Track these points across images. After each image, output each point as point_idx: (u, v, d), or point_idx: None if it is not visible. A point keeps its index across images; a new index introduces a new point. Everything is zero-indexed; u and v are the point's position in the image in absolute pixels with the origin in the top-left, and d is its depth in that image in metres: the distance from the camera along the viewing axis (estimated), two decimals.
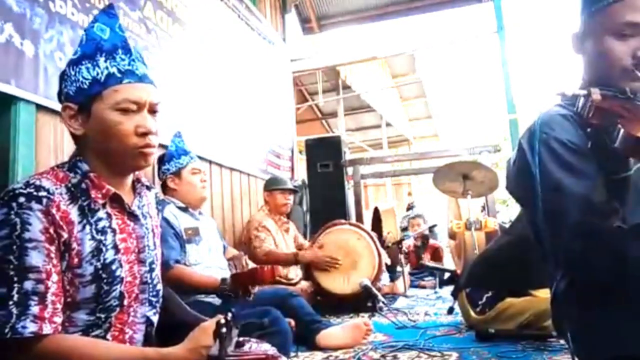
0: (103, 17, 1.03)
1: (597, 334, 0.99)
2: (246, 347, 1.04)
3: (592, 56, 1.11)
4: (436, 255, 5.23)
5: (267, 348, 1.09)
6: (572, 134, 1.04)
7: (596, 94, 1.00)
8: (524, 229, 2.26)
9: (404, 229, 5.39)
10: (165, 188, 2.28)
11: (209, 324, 0.96)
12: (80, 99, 0.98)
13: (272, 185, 3.48)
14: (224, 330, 0.86)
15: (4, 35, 1.90)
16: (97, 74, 0.97)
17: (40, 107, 2.08)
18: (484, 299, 2.31)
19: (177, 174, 2.25)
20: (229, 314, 0.92)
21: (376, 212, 4.67)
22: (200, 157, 2.40)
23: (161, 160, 2.29)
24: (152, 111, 1.02)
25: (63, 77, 1.01)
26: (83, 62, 0.98)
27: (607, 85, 1.03)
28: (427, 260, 4.99)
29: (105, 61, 0.98)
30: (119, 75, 0.97)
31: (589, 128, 1.04)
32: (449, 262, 5.35)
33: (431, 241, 5.32)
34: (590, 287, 1.00)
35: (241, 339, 1.04)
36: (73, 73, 0.99)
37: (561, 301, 1.08)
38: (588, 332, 1.01)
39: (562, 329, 1.12)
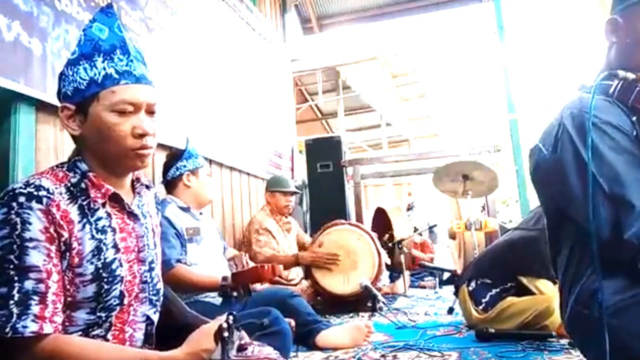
0: (102, 17, 1.02)
1: (625, 331, 0.95)
2: (249, 351, 1.04)
3: (629, 44, 1.07)
4: (424, 250, 5.32)
5: (270, 352, 1.08)
6: (622, 119, 1.01)
7: None
8: (535, 224, 2.27)
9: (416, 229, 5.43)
10: (170, 187, 2.29)
11: (210, 326, 0.96)
12: (77, 100, 0.98)
13: (273, 186, 3.48)
14: (226, 334, 0.85)
15: (12, 33, 1.90)
16: (95, 74, 0.96)
17: (40, 108, 2.09)
18: (488, 297, 2.32)
19: (195, 172, 2.28)
20: (231, 317, 0.91)
21: (380, 212, 4.66)
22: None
23: (174, 159, 2.30)
24: (150, 112, 1.01)
25: (61, 77, 1.01)
26: (81, 63, 0.98)
27: None
28: (417, 251, 5.05)
29: (103, 62, 0.97)
30: (116, 76, 0.97)
31: (634, 116, 1.01)
32: (448, 262, 5.35)
33: (417, 240, 5.38)
34: None
35: (243, 341, 1.04)
36: (71, 73, 0.98)
37: (588, 297, 1.03)
38: (615, 329, 0.96)
39: (579, 327, 1.09)
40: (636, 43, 1.07)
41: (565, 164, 1.05)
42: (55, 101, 2.02)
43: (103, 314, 0.97)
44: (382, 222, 4.37)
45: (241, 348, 1.02)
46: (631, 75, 1.00)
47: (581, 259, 1.07)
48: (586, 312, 1.05)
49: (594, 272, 1.01)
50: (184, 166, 2.27)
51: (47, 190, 0.91)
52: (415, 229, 5.28)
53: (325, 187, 4.55)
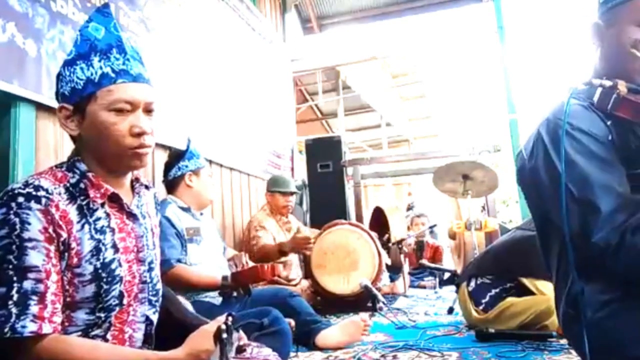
0: (98, 17, 1.02)
1: (619, 333, 0.96)
2: (247, 352, 1.04)
3: (612, 48, 1.08)
4: (436, 255, 5.21)
5: (269, 353, 1.08)
6: (596, 125, 1.03)
7: (622, 85, 0.99)
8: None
9: (407, 228, 5.36)
10: (171, 187, 2.29)
11: (209, 327, 0.96)
12: (75, 100, 0.97)
13: (273, 187, 3.48)
14: (224, 335, 0.85)
15: (6, 34, 1.90)
16: (91, 74, 0.96)
17: (40, 107, 2.09)
18: (487, 297, 2.31)
19: (197, 172, 2.28)
20: (230, 318, 0.91)
21: (378, 211, 4.66)
22: None
23: (176, 159, 2.31)
24: (148, 111, 1.01)
25: (59, 77, 1.01)
26: (77, 63, 0.98)
27: (625, 79, 1.02)
28: (425, 261, 4.96)
29: (100, 61, 0.97)
30: (112, 75, 0.97)
31: (609, 121, 1.03)
32: (448, 262, 5.33)
33: (430, 241, 5.31)
34: (617, 283, 0.98)
35: (242, 342, 1.04)
36: (68, 73, 0.98)
37: (574, 300, 1.04)
38: (608, 330, 0.97)
39: (571, 328, 1.10)
40: (616, 50, 1.07)
41: (539, 169, 1.07)
42: (50, 102, 2.04)
43: (102, 314, 0.97)
44: (380, 222, 4.37)
45: (240, 350, 1.02)
46: (607, 83, 1.01)
47: (568, 262, 1.08)
48: (574, 313, 1.06)
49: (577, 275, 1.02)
50: (186, 166, 2.27)
51: (46, 190, 0.91)
52: (432, 226, 5.19)
53: (325, 187, 4.55)
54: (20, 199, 0.88)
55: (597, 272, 1.00)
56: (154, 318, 1.09)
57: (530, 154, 1.11)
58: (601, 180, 0.98)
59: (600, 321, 0.98)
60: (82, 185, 0.98)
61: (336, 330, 2.20)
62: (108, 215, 1.00)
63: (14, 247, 0.86)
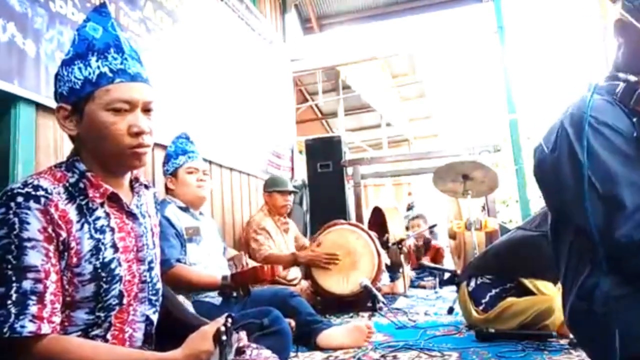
0: (95, 16, 1.02)
1: (630, 327, 0.95)
2: (247, 354, 1.04)
3: (635, 45, 1.08)
4: (437, 256, 5.21)
5: (268, 355, 1.08)
6: (621, 120, 1.02)
7: None
8: (538, 227, 2.26)
9: (406, 229, 5.35)
10: (166, 189, 2.30)
11: (209, 328, 0.95)
12: (73, 100, 0.97)
13: (271, 187, 3.48)
14: (224, 337, 0.85)
15: (6, 34, 1.91)
16: (89, 73, 0.96)
17: (40, 107, 2.09)
18: (487, 297, 2.31)
19: (174, 174, 2.27)
20: (229, 319, 0.91)
21: (377, 211, 4.66)
22: None
23: (163, 162, 2.33)
24: (146, 110, 1.00)
25: (57, 77, 1.01)
26: (75, 62, 0.97)
27: None
28: (426, 261, 4.95)
29: (97, 60, 0.97)
30: (110, 74, 0.96)
31: (635, 117, 1.02)
32: (448, 262, 5.33)
33: (432, 242, 5.30)
34: (635, 279, 0.97)
35: (242, 343, 1.04)
36: (66, 73, 0.98)
37: (588, 292, 1.04)
38: (619, 325, 0.96)
39: (579, 322, 1.09)
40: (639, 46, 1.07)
41: (562, 163, 1.07)
42: (48, 102, 2.04)
43: (102, 314, 0.97)
44: (379, 222, 4.36)
45: (239, 351, 1.01)
46: (633, 78, 1.01)
47: (581, 255, 1.08)
48: (587, 307, 1.05)
49: (593, 268, 1.02)
50: (167, 170, 2.30)
51: (45, 190, 0.91)
52: (432, 226, 5.18)
53: (325, 187, 4.55)
54: (20, 199, 0.88)
55: (615, 267, 0.99)
56: (154, 318, 1.09)
57: (553, 147, 1.10)
58: (626, 176, 0.97)
59: (612, 315, 0.97)
60: (81, 185, 0.98)
61: (340, 331, 2.20)
62: (107, 214, 1.00)
63: (13, 247, 0.86)
